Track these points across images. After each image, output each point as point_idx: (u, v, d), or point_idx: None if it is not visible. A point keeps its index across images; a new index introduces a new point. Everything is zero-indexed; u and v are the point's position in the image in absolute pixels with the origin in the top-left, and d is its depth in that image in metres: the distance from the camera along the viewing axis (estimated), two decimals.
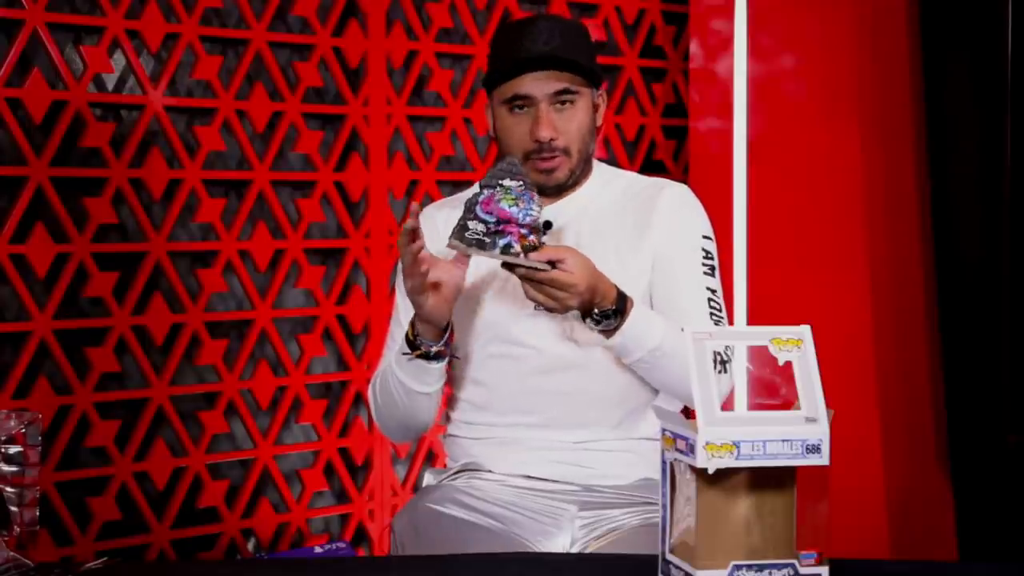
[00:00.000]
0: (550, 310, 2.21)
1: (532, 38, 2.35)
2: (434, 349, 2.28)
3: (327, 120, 3.58)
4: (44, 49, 3.09)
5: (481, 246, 2.13)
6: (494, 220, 2.13)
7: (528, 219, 2.13)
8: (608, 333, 2.25)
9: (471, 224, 2.14)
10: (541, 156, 2.36)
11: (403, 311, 2.43)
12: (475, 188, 2.23)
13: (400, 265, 2.41)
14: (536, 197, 2.16)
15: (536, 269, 2.14)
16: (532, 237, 2.13)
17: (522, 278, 2.17)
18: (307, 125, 3.51)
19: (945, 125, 3.85)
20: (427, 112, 3.72)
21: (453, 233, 2.15)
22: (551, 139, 2.35)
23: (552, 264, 2.15)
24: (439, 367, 2.32)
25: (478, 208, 2.14)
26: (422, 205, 2.33)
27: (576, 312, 2.23)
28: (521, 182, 2.16)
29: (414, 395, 2.35)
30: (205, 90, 3.37)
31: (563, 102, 2.36)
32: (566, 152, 2.37)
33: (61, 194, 3.10)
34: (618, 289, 2.24)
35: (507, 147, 2.39)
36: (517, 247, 2.12)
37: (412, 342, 2.29)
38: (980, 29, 3.74)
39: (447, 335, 2.30)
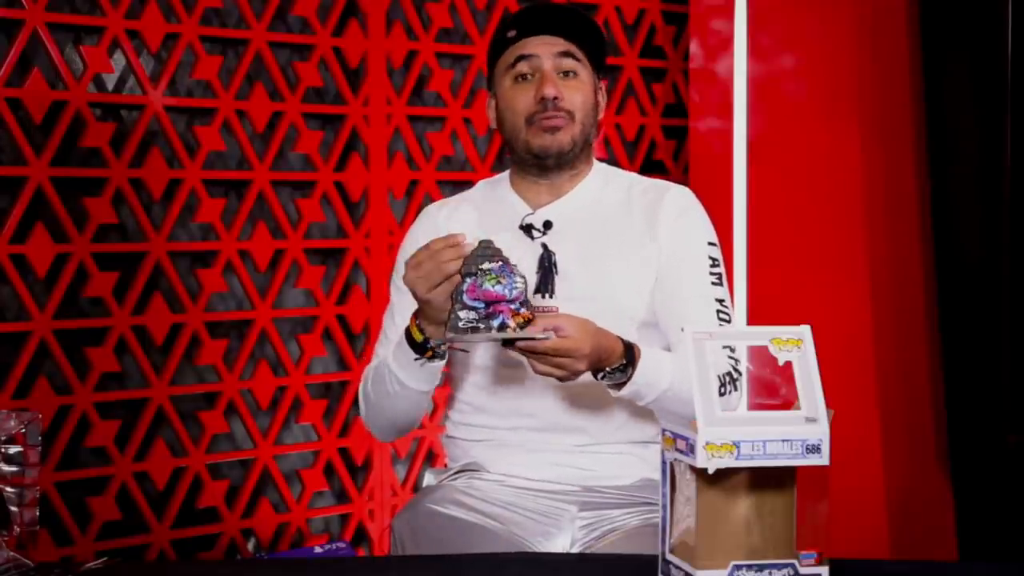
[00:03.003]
0: (561, 379, 2.17)
1: (537, 6, 2.40)
2: (443, 348, 2.27)
3: (327, 120, 3.57)
4: (44, 49, 3.09)
5: (476, 331, 2.12)
6: (483, 305, 2.12)
7: (515, 293, 2.12)
8: (619, 385, 2.23)
9: (462, 314, 2.13)
10: (546, 115, 2.34)
11: (398, 308, 2.42)
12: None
13: (398, 265, 2.42)
14: (516, 269, 2.14)
15: (536, 339, 2.12)
16: (524, 311, 2.12)
17: (524, 353, 2.15)
18: (307, 125, 3.51)
19: (945, 125, 3.84)
20: (427, 112, 3.72)
21: (447, 327, 2.14)
22: (555, 98, 2.33)
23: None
24: (440, 365, 2.31)
25: (464, 297, 2.13)
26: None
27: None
28: (499, 261, 2.14)
29: (412, 392, 2.34)
30: (205, 90, 3.37)
31: (567, 72, 2.36)
32: (571, 116, 2.35)
33: (61, 194, 3.10)
34: (623, 340, 2.21)
35: (511, 121, 2.37)
36: (512, 323, 2.12)
37: (419, 344, 2.26)
38: (980, 29, 3.73)
39: None
